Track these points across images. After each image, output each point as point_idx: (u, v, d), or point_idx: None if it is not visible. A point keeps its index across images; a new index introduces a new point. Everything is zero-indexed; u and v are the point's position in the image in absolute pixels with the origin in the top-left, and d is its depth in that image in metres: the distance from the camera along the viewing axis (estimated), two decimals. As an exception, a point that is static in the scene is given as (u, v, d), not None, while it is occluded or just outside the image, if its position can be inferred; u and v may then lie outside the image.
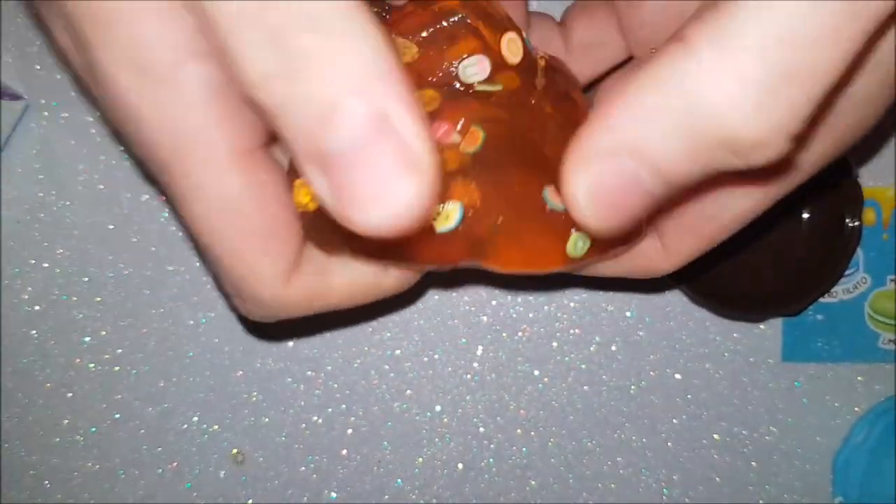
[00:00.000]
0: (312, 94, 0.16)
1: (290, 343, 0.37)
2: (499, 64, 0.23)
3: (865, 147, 0.37)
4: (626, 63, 0.30)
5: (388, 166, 0.17)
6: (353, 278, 0.25)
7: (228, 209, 0.21)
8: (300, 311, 0.24)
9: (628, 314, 0.38)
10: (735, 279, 0.36)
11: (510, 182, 0.22)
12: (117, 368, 0.37)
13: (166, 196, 0.23)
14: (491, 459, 0.38)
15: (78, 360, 0.37)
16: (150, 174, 0.22)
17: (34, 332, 0.37)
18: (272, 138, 0.22)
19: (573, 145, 0.19)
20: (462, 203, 0.22)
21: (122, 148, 0.36)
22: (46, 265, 0.37)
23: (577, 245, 0.23)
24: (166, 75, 0.19)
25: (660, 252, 0.26)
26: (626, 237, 0.24)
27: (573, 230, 0.22)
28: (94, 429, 0.37)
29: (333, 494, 0.38)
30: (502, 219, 0.22)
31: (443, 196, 0.22)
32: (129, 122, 0.20)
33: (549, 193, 0.22)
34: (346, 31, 0.16)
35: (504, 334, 0.38)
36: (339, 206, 0.17)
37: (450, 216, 0.22)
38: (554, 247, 0.23)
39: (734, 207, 0.24)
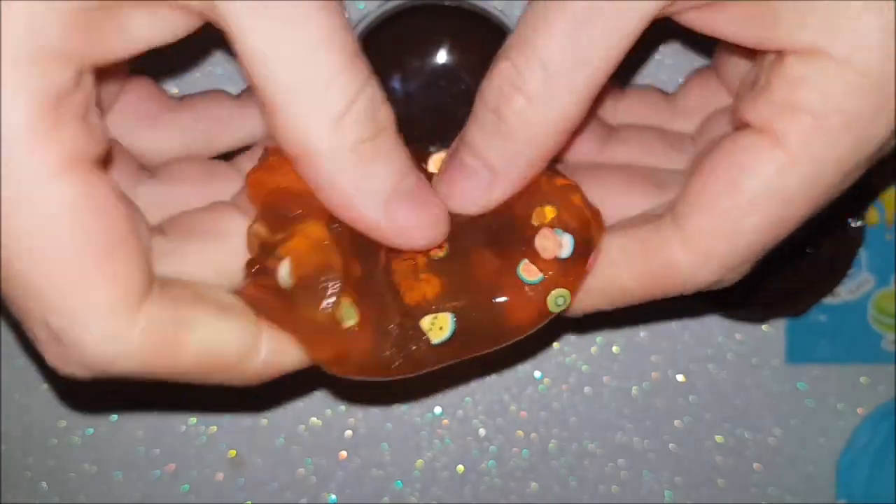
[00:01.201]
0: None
1: (289, 344, 0.37)
2: None
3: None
4: None
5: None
6: (213, 344, 0.21)
7: (52, 224, 0.19)
8: (138, 365, 0.20)
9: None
10: (738, 280, 0.36)
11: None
12: (115, 369, 0.37)
13: None
14: (491, 461, 0.38)
15: (75, 361, 0.37)
16: None
17: (31, 332, 0.37)
18: (106, 161, 0.20)
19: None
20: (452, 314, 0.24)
21: None
22: None
23: (556, 302, 0.23)
24: None
25: (679, 249, 0.24)
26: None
27: (551, 292, 0.23)
28: (91, 430, 0.37)
29: (332, 497, 0.38)
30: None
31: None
32: None
33: (521, 270, 0.23)
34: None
35: (504, 335, 0.37)
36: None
37: (444, 327, 0.24)
38: (533, 312, 0.24)
39: (756, 174, 0.22)
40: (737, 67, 0.27)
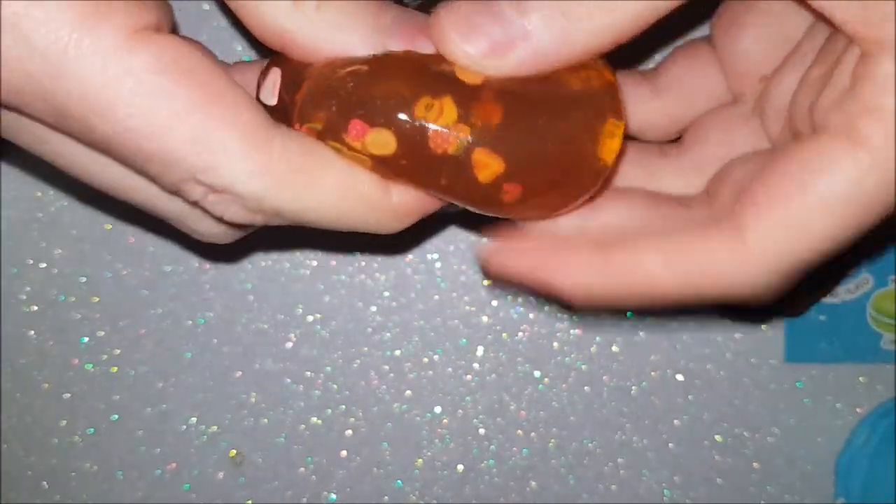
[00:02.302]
0: None
1: (290, 344, 0.37)
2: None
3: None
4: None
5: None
6: (350, 175, 0.22)
7: (148, 92, 0.19)
8: (288, 195, 0.21)
9: (629, 314, 0.38)
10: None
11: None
12: (115, 369, 0.37)
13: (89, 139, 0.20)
14: (491, 461, 0.38)
15: (76, 361, 0.37)
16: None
17: (32, 332, 0.37)
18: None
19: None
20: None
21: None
22: (44, 265, 0.37)
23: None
24: None
25: (742, 245, 0.22)
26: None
27: None
28: (92, 430, 0.37)
29: (333, 496, 0.38)
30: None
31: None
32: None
33: None
34: None
35: (504, 335, 0.38)
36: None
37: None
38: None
39: (834, 175, 0.21)
40: (745, 48, 0.26)
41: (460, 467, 0.38)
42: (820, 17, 0.21)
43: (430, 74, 0.21)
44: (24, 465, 0.37)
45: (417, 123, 0.21)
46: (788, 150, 0.21)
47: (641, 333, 0.38)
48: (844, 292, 0.38)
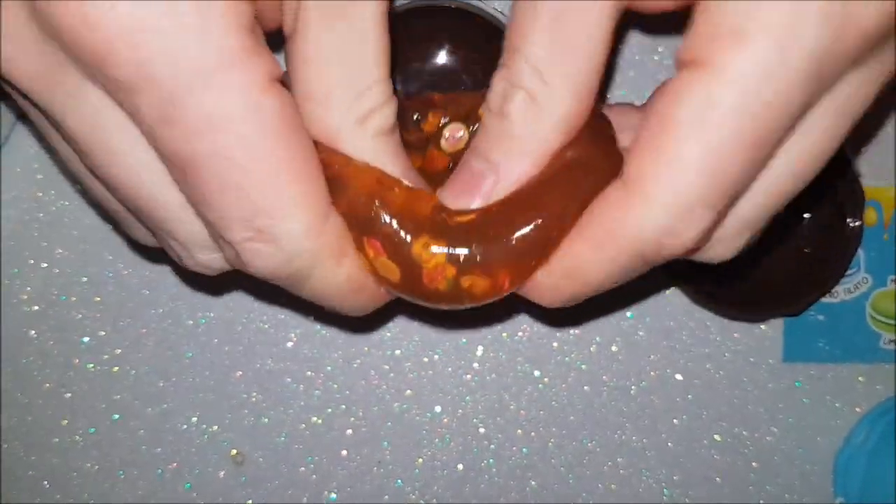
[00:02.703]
0: None
1: (290, 343, 0.37)
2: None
3: (866, 147, 0.37)
4: None
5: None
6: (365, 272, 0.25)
7: (264, 132, 0.21)
8: (321, 260, 0.23)
9: (628, 314, 0.38)
10: (735, 279, 0.36)
11: None
12: (116, 369, 0.37)
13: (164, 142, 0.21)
14: (491, 460, 0.38)
15: (77, 361, 0.37)
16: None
17: (33, 332, 0.37)
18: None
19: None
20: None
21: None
22: (45, 265, 0.37)
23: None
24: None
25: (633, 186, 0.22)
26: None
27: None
28: (93, 429, 0.37)
29: (333, 495, 0.38)
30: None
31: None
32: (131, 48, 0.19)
33: None
34: None
35: (504, 334, 0.38)
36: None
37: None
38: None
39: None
40: None
41: (460, 467, 0.38)
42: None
43: (436, 216, 0.24)
44: (25, 465, 0.37)
45: (415, 261, 0.24)
46: (656, 92, 0.22)
47: (641, 333, 0.38)
48: (843, 292, 0.38)
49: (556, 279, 0.24)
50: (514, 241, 0.23)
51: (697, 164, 0.20)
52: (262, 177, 0.21)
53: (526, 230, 0.23)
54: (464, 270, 0.24)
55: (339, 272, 0.24)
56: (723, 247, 0.24)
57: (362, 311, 0.26)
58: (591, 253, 0.23)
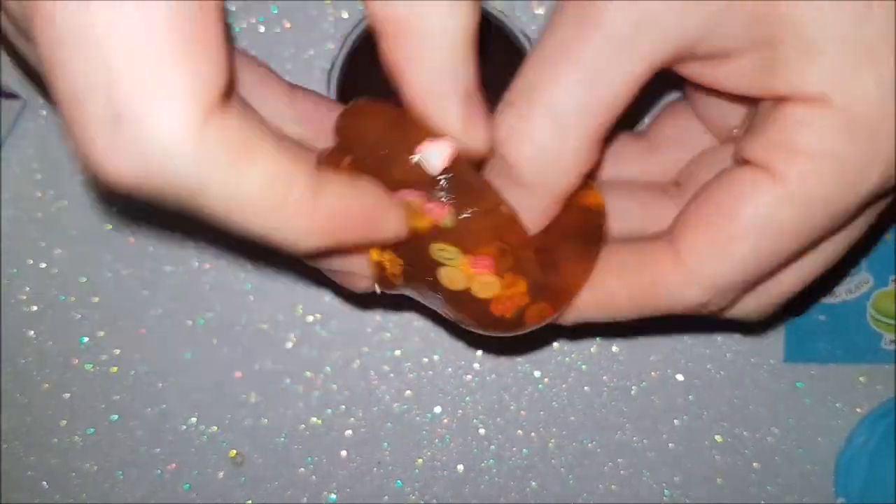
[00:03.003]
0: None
1: (289, 344, 0.37)
2: None
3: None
4: None
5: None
6: (277, 173, 0.19)
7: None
8: (194, 170, 0.18)
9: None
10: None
11: None
12: (115, 369, 0.37)
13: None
14: (491, 460, 0.38)
15: (76, 361, 0.37)
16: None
17: (32, 332, 0.37)
18: None
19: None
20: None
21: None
22: (44, 265, 0.37)
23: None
24: None
25: (678, 269, 0.24)
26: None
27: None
28: (92, 429, 0.37)
29: (333, 496, 0.38)
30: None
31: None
32: None
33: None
34: None
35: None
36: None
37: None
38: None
39: (754, 203, 0.23)
40: (714, 105, 0.28)
41: (460, 467, 0.38)
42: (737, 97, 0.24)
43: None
44: (25, 465, 0.37)
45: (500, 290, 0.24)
46: (720, 177, 0.24)
47: (642, 334, 0.38)
48: (844, 292, 0.38)
49: (585, 305, 0.25)
50: (565, 272, 0.24)
51: (747, 261, 0.23)
52: (130, 41, 0.17)
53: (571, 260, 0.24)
54: (535, 299, 0.24)
55: (244, 182, 0.18)
56: (746, 312, 0.26)
57: (302, 240, 0.20)
58: (625, 297, 0.25)
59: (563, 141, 0.22)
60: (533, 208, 0.23)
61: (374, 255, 0.24)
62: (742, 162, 0.23)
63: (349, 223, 0.21)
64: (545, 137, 0.22)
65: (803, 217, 0.22)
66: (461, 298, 0.24)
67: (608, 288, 0.25)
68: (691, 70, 0.23)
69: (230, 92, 0.19)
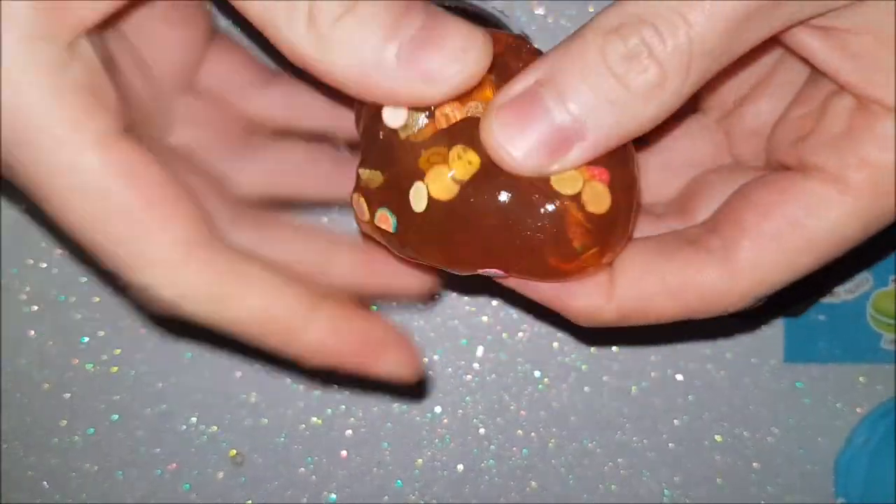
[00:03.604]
0: None
1: (290, 344, 0.37)
2: None
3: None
4: None
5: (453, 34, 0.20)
6: (266, 302, 0.22)
7: (94, 190, 0.20)
8: (201, 308, 0.22)
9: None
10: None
11: None
12: (115, 369, 0.37)
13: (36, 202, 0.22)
14: (491, 461, 0.38)
15: (76, 361, 0.37)
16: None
17: (32, 332, 0.37)
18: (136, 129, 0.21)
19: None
20: None
21: None
22: (44, 265, 0.37)
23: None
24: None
25: (732, 274, 0.24)
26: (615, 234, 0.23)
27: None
28: (92, 429, 0.37)
29: (333, 496, 0.38)
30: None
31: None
32: None
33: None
34: None
35: (504, 335, 0.37)
36: (428, 78, 0.20)
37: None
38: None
39: (824, 217, 0.22)
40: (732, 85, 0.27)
41: (460, 467, 0.38)
42: (818, 70, 0.23)
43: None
44: (25, 465, 0.37)
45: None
46: (780, 184, 0.23)
47: (641, 334, 0.38)
48: (844, 292, 0.38)
49: (628, 310, 0.24)
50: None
51: (803, 269, 0.23)
52: (106, 232, 0.21)
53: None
54: (598, 239, 0.22)
55: (234, 313, 0.22)
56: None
57: (307, 361, 0.24)
58: (670, 306, 0.24)
59: (687, 74, 0.20)
60: (604, 135, 0.21)
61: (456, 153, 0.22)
62: (800, 166, 0.23)
63: (344, 350, 0.23)
64: (675, 65, 0.20)
65: (867, 230, 0.22)
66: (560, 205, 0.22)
67: (647, 291, 0.24)
68: (808, 42, 0.22)
69: (201, 227, 0.22)
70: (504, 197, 0.22)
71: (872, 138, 0.22)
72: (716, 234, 0.24)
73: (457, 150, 0.22)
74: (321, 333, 0.23)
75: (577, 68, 0.20)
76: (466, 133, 0.22)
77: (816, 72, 0.23)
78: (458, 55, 0.20)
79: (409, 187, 0.22)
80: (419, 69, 0.20)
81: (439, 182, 0.22)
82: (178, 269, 0.21)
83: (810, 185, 0.22)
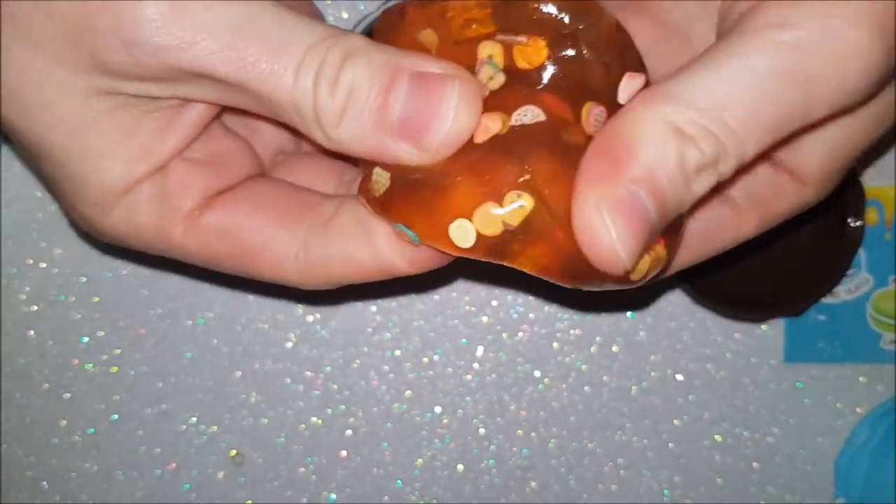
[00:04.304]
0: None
1: (289, 344, 0.37)
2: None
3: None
4: None
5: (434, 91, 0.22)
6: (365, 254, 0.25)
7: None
8: (120, 234, 0.24)
9: (629, 314, 0.38)
10: (737, 279, 0.36)
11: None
12: (115, 369, 0.37)
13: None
14: (491, 461, 0.38)
15: (76, 361, 0.37)
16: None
17: (32, 332, 0.37)
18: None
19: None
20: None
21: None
22: (44, 265, 0.36)
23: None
24: None
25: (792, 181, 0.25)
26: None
27: None
28: (92, 430, 0.37)
29: (333, 496, 0.38)
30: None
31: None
32: None
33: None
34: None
35: (504, 335, 0.37)
36: (423, 144, 0.22)
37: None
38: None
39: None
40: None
41: (460, 467, 0.38)
42: None
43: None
44: (24, 465, 0.37)
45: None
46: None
47: (641, 333, 0.38)
48: (844, 292, 0.38)
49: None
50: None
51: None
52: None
53: None
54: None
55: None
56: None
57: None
58: (693, 251, 0.26)
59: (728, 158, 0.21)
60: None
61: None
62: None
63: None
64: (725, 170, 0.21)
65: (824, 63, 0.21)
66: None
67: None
68: None
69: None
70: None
71: None
72: None
73: (511, 196, 0.21)
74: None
75: (663, 175, 0.21)
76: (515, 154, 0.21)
77: None
78: (449, 115, 0.22)
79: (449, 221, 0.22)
80: (419, 142, 0.22)
81: (486, 219, 0.21)
82: (109, 208, 0.24)
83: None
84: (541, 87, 0.23)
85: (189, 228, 0.24)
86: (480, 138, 0.22)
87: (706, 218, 0.26)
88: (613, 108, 0.22)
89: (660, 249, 0.22)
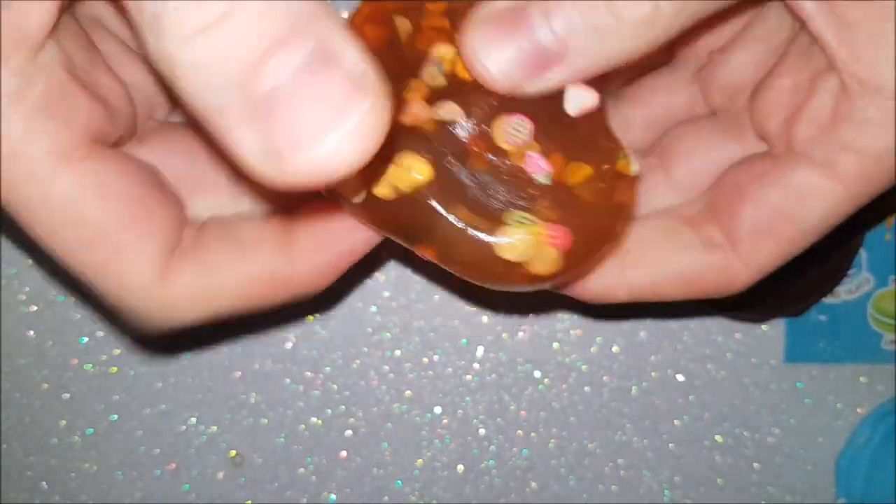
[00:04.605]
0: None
1: (289, 344, 0.37)
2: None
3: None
4: None
5: (335, 93, 0.15)
6: (247, 273, 0.22)
7: (68, 215, 0.20)
8: (188, 314, 0.22)
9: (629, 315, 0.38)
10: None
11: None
12: (115, 369, 0.37)
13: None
14: (491, 461, 0.38)
15: (75, 361, 0.37)
16: None
17: (31, 332, 0.37)
18: (109, 135, 0.21)
19: None
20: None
21: None
22: (44, 265, 0.37)
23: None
24: None
25: (734, 263, 0.25)
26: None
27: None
28: (91, 430, 0.37)
29: (332, 496, 0.38)
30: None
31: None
32: None
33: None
34: None
35: (504, 335, 0.37)
36: (280, 152, 0.15)
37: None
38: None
39: (815, 208, 0.23)
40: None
41: (460, 467, 0.38)
42: (810, 33, 0.23)
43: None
44: (24, 466, 0.37)
45: None
46: (770, 174, 0.24)
47: (642, 333, 0.38)
48: (845, 292, 0.38)
49: (638, 287, 0.25)
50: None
51: (798, 250, 0.24)
52: (78, 256, 0.22)
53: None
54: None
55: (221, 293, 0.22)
56: None
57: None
58: (672, 281, 0.25)
59: (682, 6, 0.20)
60: (589, 58, 0.21)
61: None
62: (787, 150, 0.23)
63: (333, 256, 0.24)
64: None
65: (856, 208, 0.23)
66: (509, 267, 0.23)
67: (662, 280, 0.25)
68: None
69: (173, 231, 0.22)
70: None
71: (857, 123, 0.22)
72: (715, 223, 0.25)
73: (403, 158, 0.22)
74: (306, 264, 0.23)
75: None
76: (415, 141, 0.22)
77: (810, 37, 0.23)
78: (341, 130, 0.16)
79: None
80: (281, 157, 0.16)
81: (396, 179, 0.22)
82: (155, 292, 0.21)
83: (800, 175, 0.23)
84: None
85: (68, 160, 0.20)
86: (408, 122, 0.22)
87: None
88: (544, 121, 0.22)
89: (550, 251, 0.22)
